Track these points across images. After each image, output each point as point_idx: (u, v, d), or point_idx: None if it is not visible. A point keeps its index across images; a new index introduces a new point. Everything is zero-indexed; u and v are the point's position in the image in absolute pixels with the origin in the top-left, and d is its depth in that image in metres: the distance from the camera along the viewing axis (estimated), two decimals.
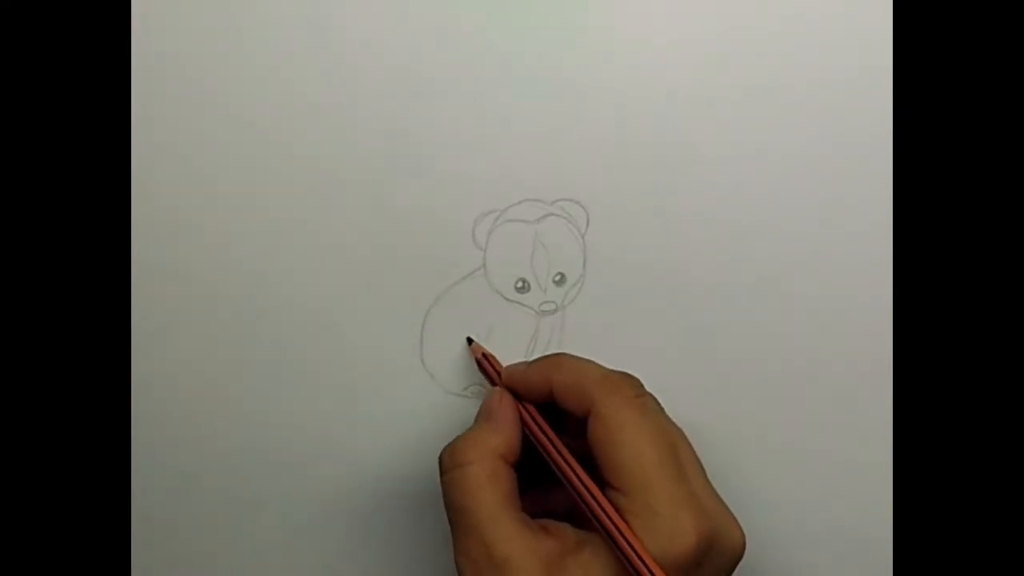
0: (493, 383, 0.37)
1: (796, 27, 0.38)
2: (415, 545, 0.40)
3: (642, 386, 0.35)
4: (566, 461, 0.34)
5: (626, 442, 0.33)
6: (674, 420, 0.35)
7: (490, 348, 0.38)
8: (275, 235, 0.38)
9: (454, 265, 0.38)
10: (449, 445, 0.35)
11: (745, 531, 0.34)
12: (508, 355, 0.38)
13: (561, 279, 0.38)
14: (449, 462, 0.34)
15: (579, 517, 0.34)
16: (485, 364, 0.38)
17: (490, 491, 0.33)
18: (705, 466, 0.35)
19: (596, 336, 0.39)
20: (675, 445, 0.34)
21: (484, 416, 0.36)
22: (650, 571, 0.31)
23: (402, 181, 0.38)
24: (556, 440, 0.35)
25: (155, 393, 0.38)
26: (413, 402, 0.39)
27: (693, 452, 0.35)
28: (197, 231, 0.37)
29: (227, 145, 0.37)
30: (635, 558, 0.31)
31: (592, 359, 0.35)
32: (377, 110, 0.37)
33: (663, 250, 0.38)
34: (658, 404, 0.35)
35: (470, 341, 0.38)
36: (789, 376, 0.39)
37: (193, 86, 0.37)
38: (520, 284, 0.38)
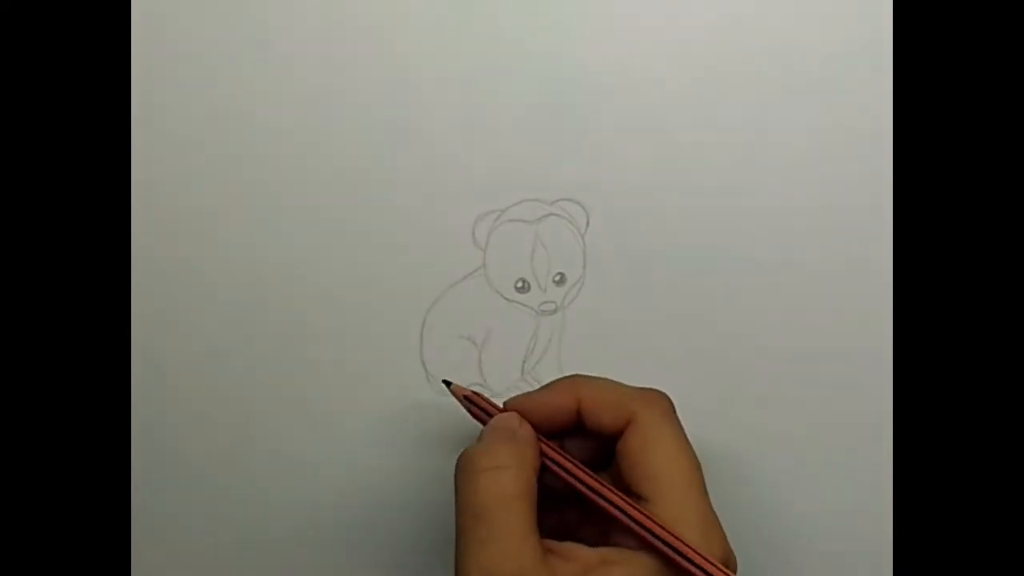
0: (484, 419, 0.35)
1: (796, 27, 0.38)
2: (415, 545, 0.39)
3: (674, 407, 0.35)
4: (593, 477, 0.33)
5: (666, 451, 0.33)
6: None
7: (490, 348, 0.38)
8: (275, 235, 0.38)
9: (454, 265, 0.38)
10: (480, 445, 0.33)
11: (745, 530, 0.34)
12: (508, 355, 0.38)
13: (561, 279, 0.38)
14: (484, 461, 0.32)
15: (587, 537, 0.33)
16: (478, 401, 0.35)
17: (526, 503, 0.31)
18: (704, 464, 0.35)
19: (596, 336, 0.39)
20: (700, 466, 0.33)
21: (505, 435, 0.33)
22: (710, 563, 0.31)
23: (402, 181, 0.38)
24: (577, 462, 0.34)
25: (155, 393, 0.38)
26: (413, 402, 0.39)
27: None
28: (197, 230, 0.37)
29: (227, 144, 0.37)
30: (691, 552, 0.31)
31: (592, 359, 0.35)
32: (377, 110, 0.37)
33: (663, 250, 0.38)
34: None
35: (448, 384, 0.36)
36: (790, 375, 0.39)
37: (193, 86, 0.37)
38: (520, 284, 0.38)
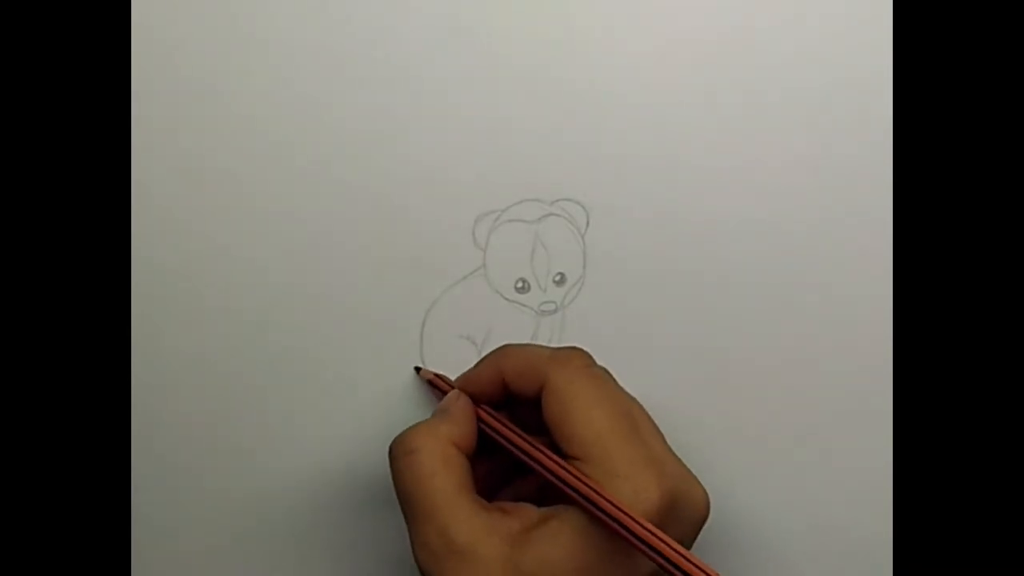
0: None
1: (797, 28, 0.38)
2: None
3: (592, 359, 0.35)
4: (525, 439, 0.34)
5: (580, 410, 0.33)
6: (674, 418, 0.35)
7: (490, 348, 0.38)
8: (275, 235, 0.38)
9: (454, 265, 0.38)
10: (399, 434, 0.34)
11: (744, 530, 0.34)
12: None
13: (561, 279, 0.38)
14: (399, 449, 0.34)
15: (541, 499, 0.33)
16: (438, 382, 0.37)
17: (443, 477, 0.33)
18: (704, 464, 0.35)
19: (596, 336, 0.39)
20: (630, 410, 0.34)
21: (437, 411, 0.35)
22: (629, 517, 0.31)
23: (402, 181, 0.38)
24: (513, 426, 0.35)
25: (155, 393, 0.38)
26: (413, 402, 0.39)
27: (649, 418, 0.35)
28: (197, 231, 0.37)
29: (227, 145, 0.37)
30: (611, 507, 0.31)
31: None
32: (377, 110, 0.37)
33: (663, 250, 0.38)
34: (610, 375, 0.35)
35: (418, 370, 0.38)
36: (789, 375, 0.39)
37: (193, 86, 0.37)
38: (520, 284, 0.38)
